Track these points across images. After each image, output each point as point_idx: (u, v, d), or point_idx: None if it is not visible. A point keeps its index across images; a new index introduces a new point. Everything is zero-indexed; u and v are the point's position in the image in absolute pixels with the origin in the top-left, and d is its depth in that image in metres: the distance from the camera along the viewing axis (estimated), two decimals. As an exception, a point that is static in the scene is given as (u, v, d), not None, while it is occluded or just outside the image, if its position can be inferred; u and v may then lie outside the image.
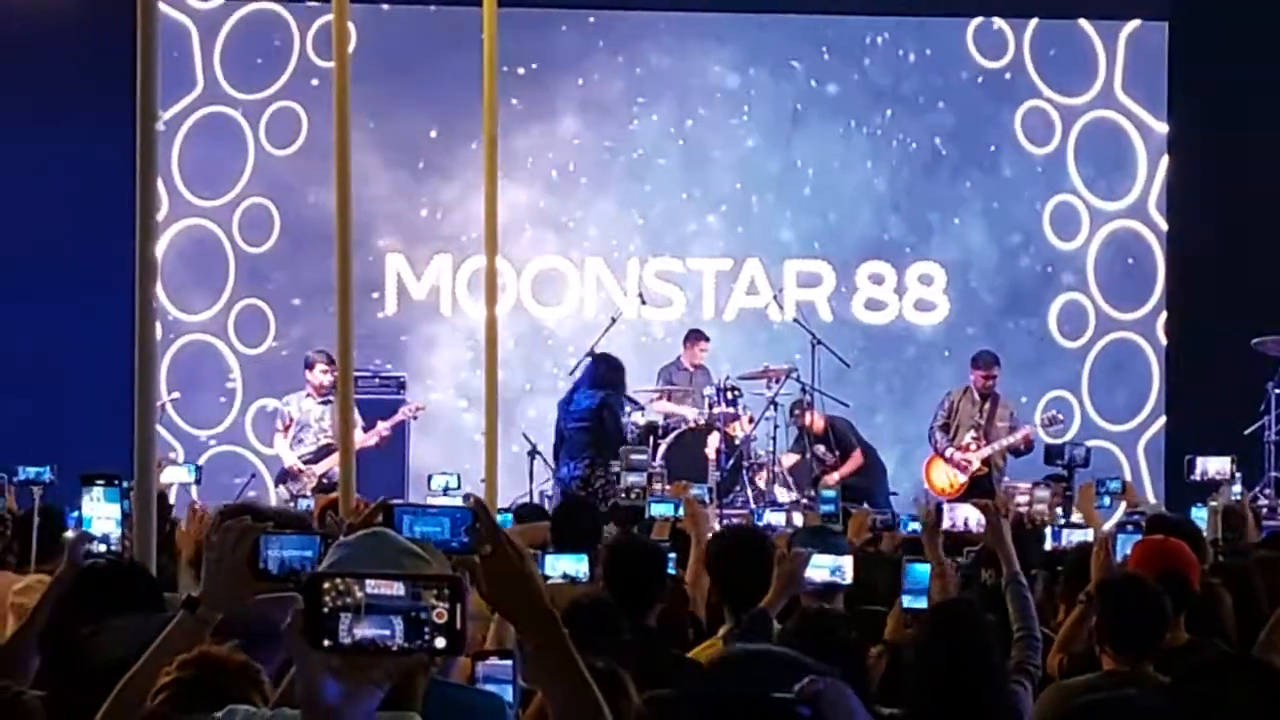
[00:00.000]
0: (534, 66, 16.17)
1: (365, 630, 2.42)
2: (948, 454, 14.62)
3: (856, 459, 14.83)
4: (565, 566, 6.36)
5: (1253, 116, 15.83)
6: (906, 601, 6.13)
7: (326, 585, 2.43)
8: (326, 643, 2.43)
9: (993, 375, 14.63)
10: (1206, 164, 15.99)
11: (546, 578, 6.08)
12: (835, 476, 14.55)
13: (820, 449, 14.83)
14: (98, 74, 13.85)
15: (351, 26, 15.46)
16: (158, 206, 15.27)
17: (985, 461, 14.54)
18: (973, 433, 14.55)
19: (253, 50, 16.13)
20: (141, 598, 4.08)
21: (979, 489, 13.72)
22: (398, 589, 2.42)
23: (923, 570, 6.23)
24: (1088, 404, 16.36)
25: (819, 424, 14.89)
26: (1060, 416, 15.06)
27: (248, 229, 16.11)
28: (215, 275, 16.11)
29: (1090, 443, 14.61)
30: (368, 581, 2.43)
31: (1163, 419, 16.35)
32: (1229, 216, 15.81)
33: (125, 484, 5.79)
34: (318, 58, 15.73)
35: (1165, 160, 16.44)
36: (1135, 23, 16.49)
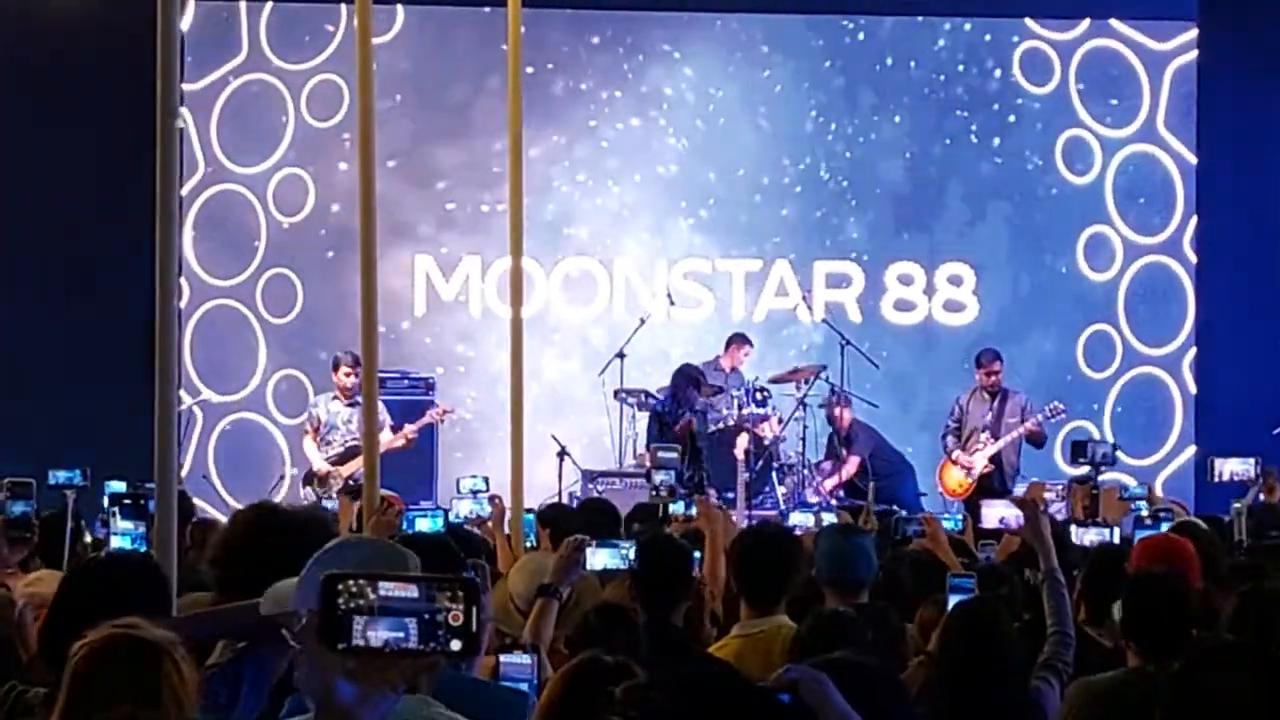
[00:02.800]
0: (556, 67, 16.18)
1: (379, 632, 2.43)
2: (954, 456, 14.61)
3: (853, 463, 14.78)
4: (605, 559, 6.34)
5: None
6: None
7: (340, 587, 2.43)
8: (341, 645, 2.44)
9: (994, 372, 14.57)
10: (1237, 198, 15.92)
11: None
12: (833, 481, 14.59)
13: (843, 452, 14.81)
14: (119, 67, 13.79)
15: (401, 12, 15.71)
16: (192, 173, 15.53)
17: (993, 460, 14.48)
18: (985, 434, 14.52)
19: (298, 21, 16.10)
20: (144, 592, 4.02)
21: (987, 488, 13.72)
22: (411, 591, 2.43)
23: (965, 581, 6.17)
24: (1109, 435, 16.12)
25: (845, 419, 14.85)
26: (1062, 407, 14.81)
27: (282, 199, 16.11)
28: (246, 242, 16.10)
29: (1106, 476, 14.39)
30: (381, 583, 2.43)
31: (1190, 449, 16.08)
32: (1260, 253, 15.76)
33: (148, 487, 5.86)
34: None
35: (1197, 195, 16.33)
36: (1180, 59, 16.36)
